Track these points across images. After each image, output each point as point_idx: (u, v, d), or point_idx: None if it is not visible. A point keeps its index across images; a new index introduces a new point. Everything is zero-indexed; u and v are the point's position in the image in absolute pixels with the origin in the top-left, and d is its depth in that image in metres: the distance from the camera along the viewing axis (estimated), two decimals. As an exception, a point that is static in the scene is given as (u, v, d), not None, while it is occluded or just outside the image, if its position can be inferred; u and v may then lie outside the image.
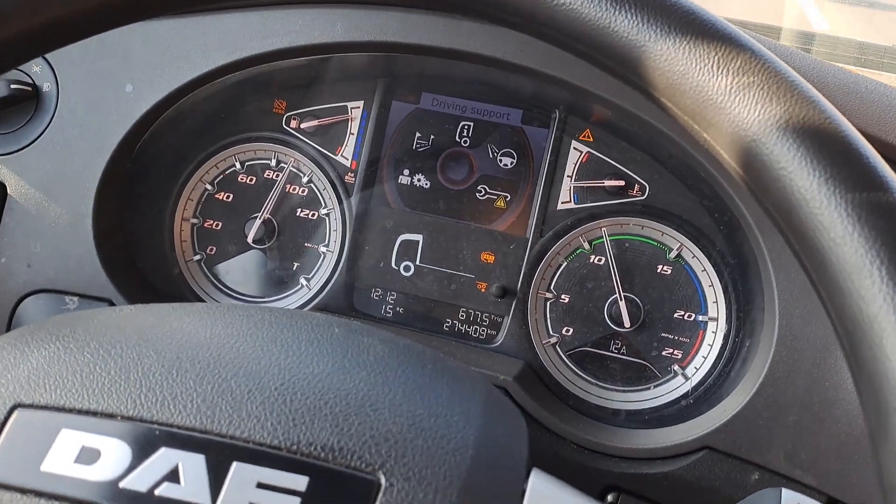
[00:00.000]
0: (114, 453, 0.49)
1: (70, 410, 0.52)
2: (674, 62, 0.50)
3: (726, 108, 0.48)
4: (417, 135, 1.16)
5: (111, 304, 1.07)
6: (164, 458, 0.49)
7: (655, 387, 1.07)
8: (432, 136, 1.15)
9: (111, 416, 0.51)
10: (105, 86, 1.06)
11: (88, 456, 0.49)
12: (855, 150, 0.45)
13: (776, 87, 0.47)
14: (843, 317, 0.44)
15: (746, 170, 0.49)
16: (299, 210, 1.18)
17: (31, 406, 0.52)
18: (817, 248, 0.45)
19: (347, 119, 1.16)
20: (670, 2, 0.51)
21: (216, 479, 0.48)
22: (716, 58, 0.49)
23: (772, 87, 0.47)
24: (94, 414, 0.51)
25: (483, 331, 1.13)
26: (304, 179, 1.18)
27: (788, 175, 0.45)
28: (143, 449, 0.49)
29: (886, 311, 0.41)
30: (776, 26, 1.48)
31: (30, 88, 1.08)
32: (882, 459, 0.41)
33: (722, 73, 0.48)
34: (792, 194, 0.46)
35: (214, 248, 1.20)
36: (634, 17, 0.51)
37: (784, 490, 0.66)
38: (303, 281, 1.18)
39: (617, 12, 0.51)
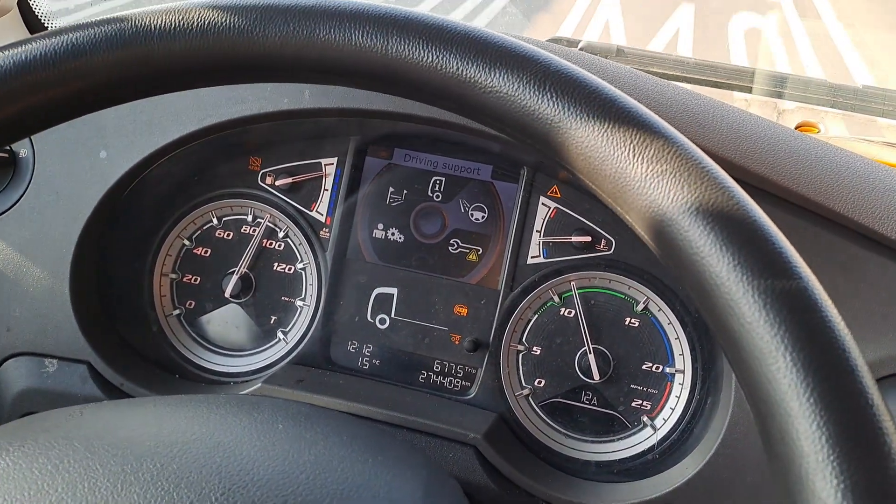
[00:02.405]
0: (59, 571, 0.51)
1: None
2: (594, 148, 0.52)
3: (643, 194, 0.50)
4: (390, 190, 1.18)
5: (90, 366, 1.10)
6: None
7: (623, 438, 1.08)
8: (405, 191, 1.17)
9: None
10: (80, 152, 1.08)
11: (34, 574, 0.51)
12: (763, 237, 0.47)
13: (688, 174, 0.49)
14: (754, 398, 0.46)
15: (664, 252, 0.51)
16: (276, 265, 1.20)
17: None
18: (730, 331, 0.46)
19: (321, 175, 1.18)
20: (590, 90, 0.53)
21: None
22: (632, 145, 0.51)
23: (684, 174, 0.49)
24: None
25: (458, 382, 1.15)
26: (280, 234, 1.20)
27: (702, 260, 0.47)
28: None
29: (791, 396, 0.43)
30: (749, 68, 1.50)
31: (7, 155, 1.10)
32: None
33: (637, 160, 0.50)
34: (706, 279, 0.47)
35: (193, 303, 1.22)
36: (556, 104, 0.53)
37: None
38: (280, 334, 1.20)
39: (540, 99, 0.53)
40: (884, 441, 0.41)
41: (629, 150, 0.50)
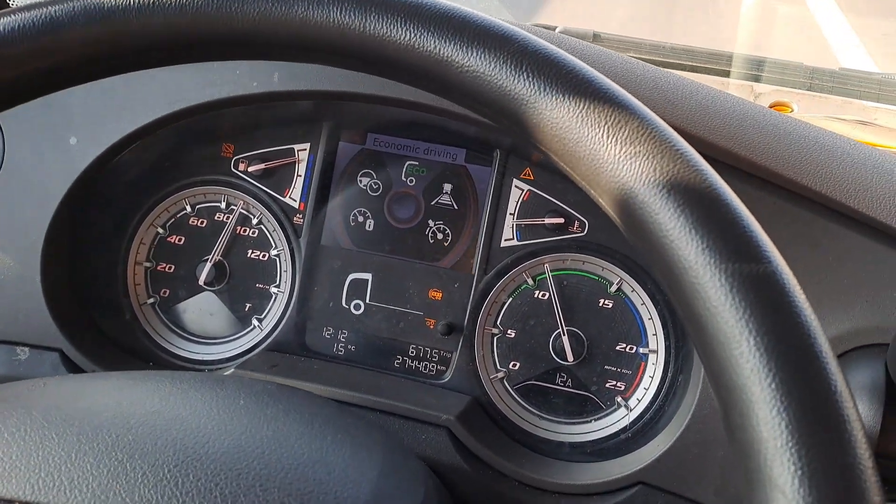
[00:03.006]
0: (9, 540, 0.51)
1: None
2: (569, 129, 0.51)
3: (616, 176, 0.50)
4: (364, 175, 1.17)
5: (62, 354, 1.09)
6: (58, 543, 0.51)
7: (597, 419, 1.08)
8: (378, 176, 1.17)
9: (9, 501, 0.53)
10: (49, 139, 1.08)
11: (-16, 544, 0.51)
12: (733, 220, 0.47)
13: (661, 156, 0.49)
14: (717, 384, 0.45)
15: (635, 234, 0.50)
16: (250, 251, 1.20)
17: None
18: (696, 316, 0.46)
19: (294, 161, 1.18)
20: (566, 70, 0.53)
21: None
22: (606, 126, 0.50)
23: (657, 156, 0.49)
24: None
25: (433, 367, 1.14)
26: (254, 221, 1.19)
27: (671, 243, 0.47)
28: None
29: (753, 381, 0.42)
30: (727, 52, 1.50)
31: (-24, 143, 1.09)
32: None
33: (611, 141, 0.50)
34: (675, 262, 0.47)
35: (168, 291, 1.22)
36: (532, 84, 0.53)
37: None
38: (255, 321, 1.19)
39: (516, 78, 0.53)
40: (844, 428, 0.41)
41: (604, 131, 0.50)
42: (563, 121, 0.51)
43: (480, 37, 0.54)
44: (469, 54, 0.53)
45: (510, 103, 0.54)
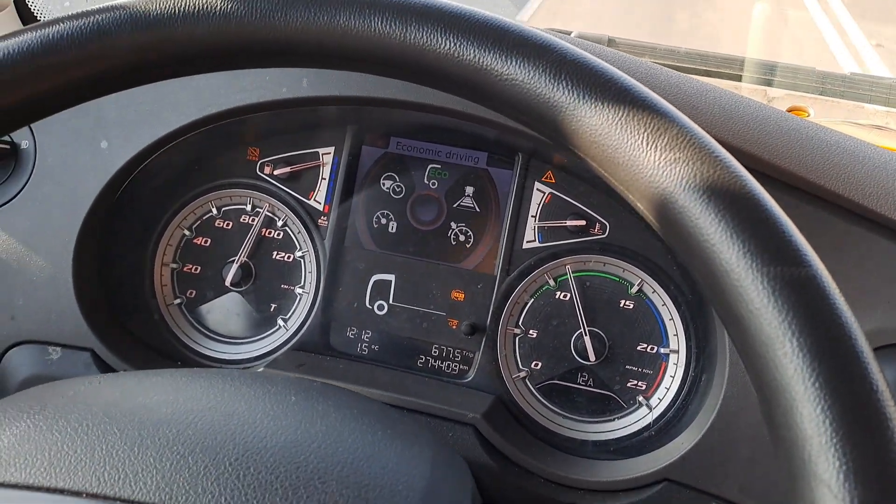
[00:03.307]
0: (79, 531, 0.53)
1: (39, 489, 0.55)
2: (608, 136, 0.53)
3: (655, 182, 0.51)
4: (387, 178, 1.19)
5: (93, 353, 1.11)
6: (126, 533, 0.52)
7: (620, 418, 1.10)
8: (402, 179, 1.19)
9: (77, 493, 0.54)
10: (81, 143, 1.10)
11: (55, 534, 0.53)
12: (774, 225, 0.48)
13: (701, 162, 0.51)
14: (759, 383, 0.47)
15: (675, 239, 0.52)
16: (275, 253, 1.22)
17: (2, 485, 0.55)
18: (738, 317, 0.48)
19: (319, 164, 1.20)
20: (605, 78, 0.55)
21: None
22: (646, 133, 0.52)
23: (696, 162, 0.51)
24: (62, 492, 0.55)
25: (455, 366, 1.16)
26: (279, 223, 1.21)
27: (712, 247, 0.49)
28: None
29: (797, 381, 0.44)
30: (739, 57, 1.52)
31: (8, 146, 1.11)
32: None
33: (651, 148, 0.52)
34: (715, 265, 0.49)
35: (194, 292, 1.24)
36: (571, 92, 0.54)
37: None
38: (280, 322, 1.21)
39: (555, 87, 0.55)
40: (887, 425, 0.42)
41: (643, 138, 0.51)
42: (602, 127, 0.53)
43: (520, 46, 0.55)
44: (509, 63, 0.55)
45: (549, 111, 0.55)
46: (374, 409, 0.66)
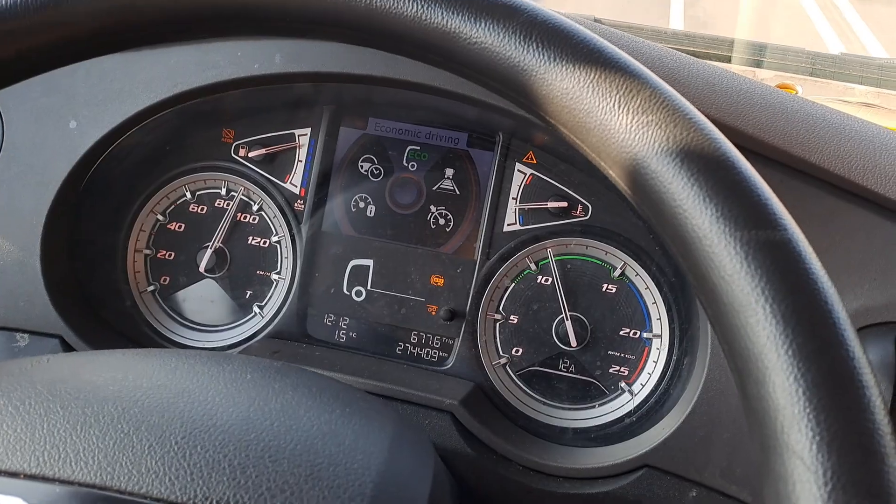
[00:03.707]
0: (15, 512, 0.50)
1: None
2: (579, 100, 0.51)
3: (627, 146, 0.49)
4: (365, 160, 1.17)
5: (62, 340, 1.08)
6: (64, 515, 0.50)
7: (601, 405, 1.08)
8: (380, 161, 1.16)
9: (14, 474, 0.52)
10: (49, 122, 1.07)
11: (-11, 515, 0.50)
12: (747, 188, 0.46)
13: (674, 124, 0.48)
14: (732, 353, 0.45)
15: (647, 205, 0.50)
16: (250, 238, 1.19)
17: None
18: (710, 285, 0.45)
19: (295, 147, 1.17)
20: (576, 39, 0.52)
21: None
22: (618, 96, 0.50)
23: (669, 125, 0.48)
24: None
25: (435, 353, 1.14)
26: (255, 207, 1.19)
27: (684, 212, 0.46)
28: None
29: (770, 349, 0.42)
30: (728, 37, 1.50)
31: (-25, 127, 1.08)
32: (764, 492, 0.42)
33: (622, 111, 0.49)
34: (687, 231, 0.46)
35: (168, 279, 1.21)
36: (541, 55, 0.52)
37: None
38: (256, 308, 1.18)
39: (525, 50, 0.52)
40: (862, 394, 0.40)
41: (615, 100, 0.49)
42: (572, 91, 0.51)
43: (489, 7, 0.53)
44: (477, 25, 0.53)
45: (518, 75, 0.53)
46: (333, 387, 0.64)
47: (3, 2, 0.56)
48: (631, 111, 0.49)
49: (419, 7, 0.54)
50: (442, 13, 0.53)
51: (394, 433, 0.61)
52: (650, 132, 0.48)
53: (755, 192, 0.46)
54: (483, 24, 0.53)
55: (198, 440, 0.54)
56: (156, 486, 0.51)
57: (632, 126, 0.49)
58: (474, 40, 0.53)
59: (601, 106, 0.50)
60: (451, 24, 0.53)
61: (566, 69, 0.51)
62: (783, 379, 0.41)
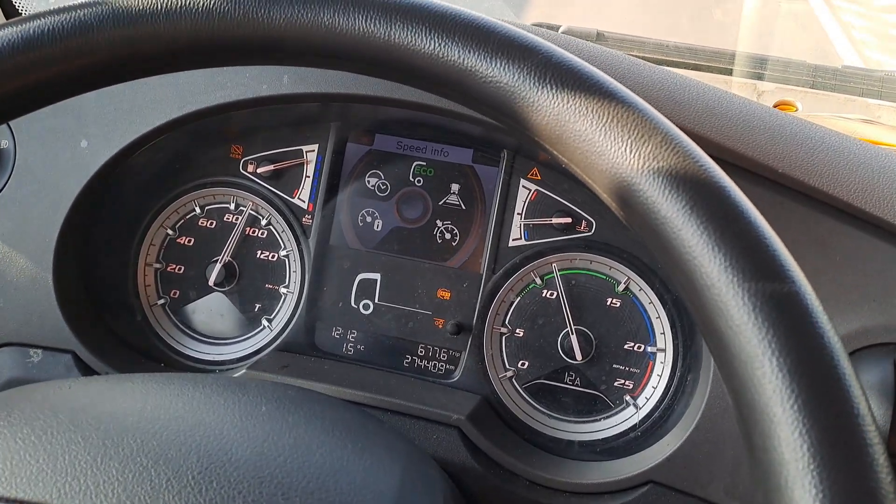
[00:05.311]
0: (37, 543, 0.51)
1: (0, 499, 0.54)
2: (591, 143, 0.52)
3: (638, 190, 0.50)
4: (372, 176, 1.18)
5: (74, 355, 1.10)
6: (85, 548, 0.51)
7: (606, 418, 1.09)
8: (387, 177, 1.18)
9: None
10: (60, 142, 1.08)
11: (14, 547, 0.52)
12: (757, 239, 0.47)
13: (685, 171, 0.49)
14: (738, 402, 0.45)
15: (658, 250, 0.51)
16: (259, 252, 1.21)
17: None
18: (718, 333, 0.46)
19: (303, 162, 1.19)
20: (589, 82, 0.53)
21: None
22: (629, 141, 0.51)
23: (680, 171, 0.49)
24: (21, 503, 0.54)
25: (441, 366, 1.15)
26: (263, 222, 1.20)
27: (693, 259, 0.47)
28: None
29: (775, 402, 0.42)
30: (729, 50, 1.51)
31: (-13, 147, 1.10)
32: None
33: (634, 156, 0.50)
34: (697, 279, 0.47)
35: (178, 292, 1.22)
36: (554, 96, 0.53)
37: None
38: (265, 322, 1.20)
39: (539, 91, 0.53)
40: (866, 453, 0.41)
41: (626, 145, 0.50)
42: (585, 133, 0.51)
43: (505, 48, 0.54)
44: (493, 65, 0.54)
45: (532, 114, 0.53)
46: (348, 417, 0.65)
47: (27, 33, 0.57)
48: (642, 156, 0.50)
49: (436, 44, 0.55)
50: (459, 51, 0.55)
51: (404, 468, 0.62)
52: (661, 177, 0.49)
53: (764, 243, 0.46)
54: (498, 63, 0.54)
55: (213, 476, 0.55)
56: None
57: (643, 170, 0.49)
58: (489, 79, 0.54)
59: (612, 149, 0.51)
60: (468, 62, 0.54)
61: (579, 110, 0.52)
62: (788, 433, 0.41)
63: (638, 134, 0.50)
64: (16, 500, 0.54)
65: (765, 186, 0.90)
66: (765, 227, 0.47)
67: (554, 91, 0.52)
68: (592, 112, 0.51)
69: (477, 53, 0.54)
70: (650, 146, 0.50)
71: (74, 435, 0.58)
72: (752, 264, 0.45)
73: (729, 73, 1.49)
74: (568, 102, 0.52)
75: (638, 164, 0.50)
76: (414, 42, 0.55)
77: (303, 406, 0.65)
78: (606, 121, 0.51)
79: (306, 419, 0.63)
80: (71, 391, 0.65)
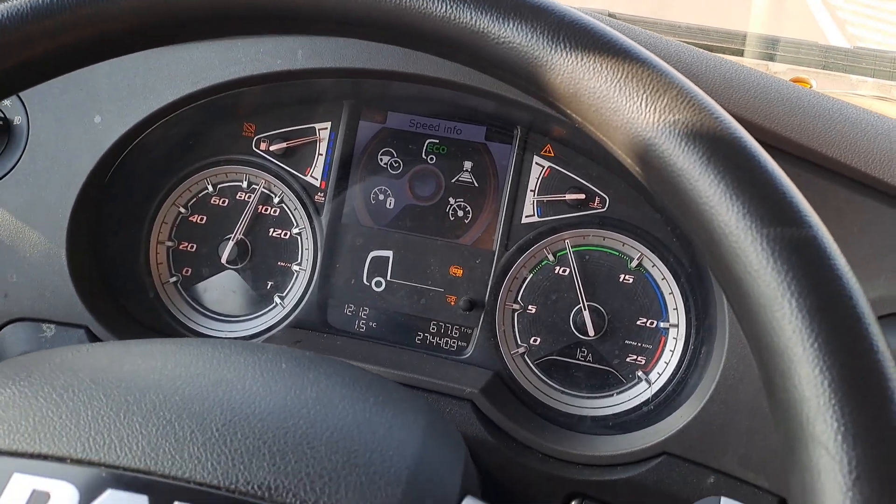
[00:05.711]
0: (63, 496, 0.52)
1: (23, 455, 0.54)
2: (605, 99, 0.52)
3: (653, 144, 0.50)
4: (385, 153, 1.18)
5: (88, 330, 1.10)
6: (111, 499, 0.51)
7: (619, 393, 1.09)
8: (400, 154, 1.18)
9: (61, 459, 0.54)
10: (74, 118, 1.09)
11: (39, 499, 0.52)
12: (774, 186, 0.47)
13: (699, 123, 0.49)
14: (758, 346, 0.46)
15: (674, 203, 0.51)
16: (271, 230, 1.21)
17: None
18: (737, 279, 0.47)
19: (315, 140, 1.19)
20: (603, 40, 0.53)
21: None
22: (644, 95, 0.51)
23: (695, 123, 0.49)
24: (45, 458, 0.54)
25: (454, 343, 1.15)
26: (276, 200, 1.20)
27: (711, 209, 0.48)
28: (90, 491, 0.52)
29: (795, 343, 0.43)
30: (741, 31, 1.50)
31: (0, 122, 1.10)
32: (790, 482, 0.44)
33: (650, 110, 0.50)
34: (715, 227, 0.48)
35: (190, 270, 1.23)
36: (567, 54, 0.53)
37: (723, 498, 0.68)
38: (277, 299, 1.20)
39: (553, 50, 0.53)
40: (886, 385, 0.41)
41: (641, 99, 0.50)
42: (600, 90, 0.52)
43: (517, 8, 0.54)
44: (505, 26, 0.54)
45: (546, 74, 0.54)
46: (366, 378, 0.65)
47: (40, 1, 0.57)
48: (657, 109, 0.50)
49: (448, 7, 0.55)
50: (471, 13, 0.55)
51: (426, 423, 0.62)
52: (676, 130, 0.49)
53: (780, 190, 0.47)
54: (511, 24, 0.54)
55: (238, 427, 0.55)
56: (198, 471, 0.52)
57: (658, 124, 0.50)
58: (502, 40, 0.54)
59: (628, 105, 0.51)
60: (480, 24, 0.55)
61: (594, 68, 0.52)
62: (809, 371, 0.42)
63: (652, 88, 0.50)
64: (40, 455, 0.54)
65: (782, 158, 0.90)
66: (780, 175, 0.48)
67: (568, 50, 0.52)
68: (607, 69, 0.52)
69: (489, 15, 0.54)
70: (665, 100, 0.50)
71: (96, 391, 0.58)
72: (769, 211, 0.46)
73: (740, 54, 1.49)
74: (582, 60, 0.52)
75: (653, 119, 0.50)
76: (426, 5, 0.55)
77: (322, 365, 0.65)
78: (621, 77, 0.51)
79: (327, 375, 0.63)
80: (89, 353, 0.65)
